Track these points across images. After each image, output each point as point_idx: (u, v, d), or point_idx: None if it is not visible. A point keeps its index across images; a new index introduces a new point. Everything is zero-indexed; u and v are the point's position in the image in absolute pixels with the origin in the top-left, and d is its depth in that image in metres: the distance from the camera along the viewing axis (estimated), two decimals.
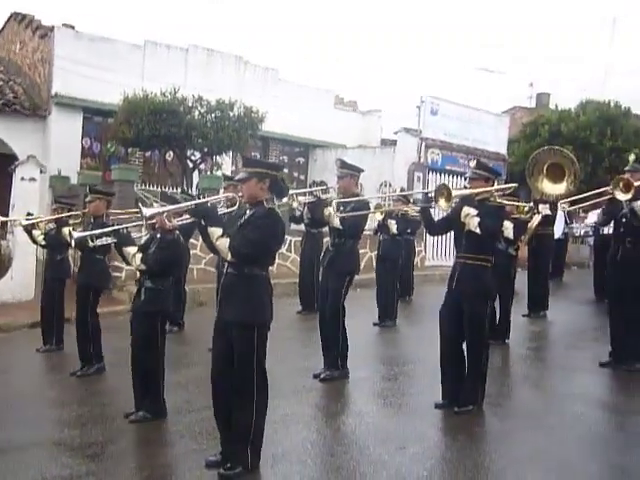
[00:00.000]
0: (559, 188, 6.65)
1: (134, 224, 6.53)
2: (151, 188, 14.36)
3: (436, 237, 14.83)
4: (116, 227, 6.00)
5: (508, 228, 7.85)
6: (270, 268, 4.46)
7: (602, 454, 4.72)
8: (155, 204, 5.13)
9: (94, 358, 6.74)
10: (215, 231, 4.17)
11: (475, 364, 5.31)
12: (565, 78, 48.32)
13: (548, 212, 9.24)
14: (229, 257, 4.17)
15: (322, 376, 6.20)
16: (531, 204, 8.48)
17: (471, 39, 55.60)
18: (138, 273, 5.44)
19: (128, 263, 5.65)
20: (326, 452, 4.64)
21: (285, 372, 6.52)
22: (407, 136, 16.84)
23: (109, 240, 6.07)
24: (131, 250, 5.46)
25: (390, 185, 15.86)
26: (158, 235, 5.29)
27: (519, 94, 47.37)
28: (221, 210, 5.41)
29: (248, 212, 4.33)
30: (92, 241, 6.18)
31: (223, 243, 4.15)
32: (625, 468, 4.47)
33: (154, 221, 4.94)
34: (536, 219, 8.61)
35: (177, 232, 5.28)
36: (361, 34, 50.53)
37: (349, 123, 19.07)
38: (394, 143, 17.43)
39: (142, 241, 5.75)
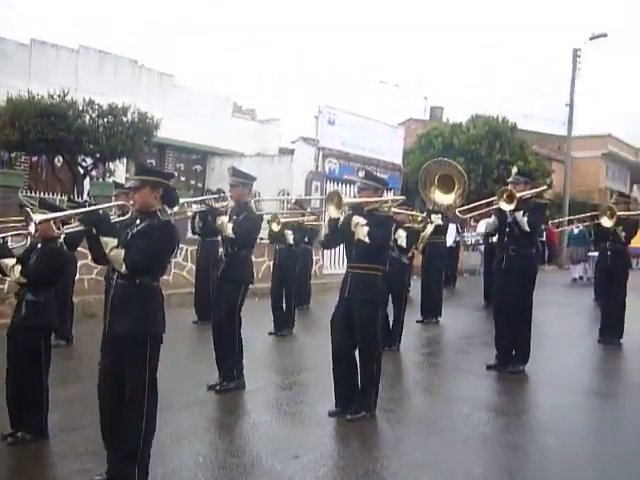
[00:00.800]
0: (449, 198, 6.91)
1: (17, 232, 6.13)
2: (37, 195, 13.64)
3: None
4: None
5: (402, 237, 8.07)
6: (166, 277, 4.32)
7: (488, 455, 4.87)
8: (32, 211, 4.77)
9: None
10: (109, 241, 3.97)
11: (367, 371, 5.37)
12: (457, 93, 50.39)
13: (440, 222, 9.58)
14: (123, 269, 3.98)
15: (217, 388, 6.08)
16: (424, 214, 8.79)
17: (368, 52, 56.97)
18: (18, 286, 5.11)
19: (5, 275, 5.29)
20: (218, 465, 4.53)
21: (179, 384, 6.34)
22: (305, 145, 16.97)
23: None
24: (9, 262, 5.10)
25: (288, 194, 15.89)
26: (39, 244, 4.99)
27: (415, 107, 49.00)
28: (112, 219, 5.19)
29: (140, 222, 4.17)
30: None
31: (118, 254, 3.96)
32: (509, 467, 4.64)
33: (34, 230, 4.63)
34: (429, 228, 8.89)
35: (60, 241, 5.00)
36: (262, 42, 50.63)
37: (247, 131, 19.01)
38: (292, 152, 17.52)
39: (20, 251, 5.39)
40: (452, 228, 12.90)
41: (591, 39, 26.67)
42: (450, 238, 13.42)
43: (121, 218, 4.73)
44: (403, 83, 56.17)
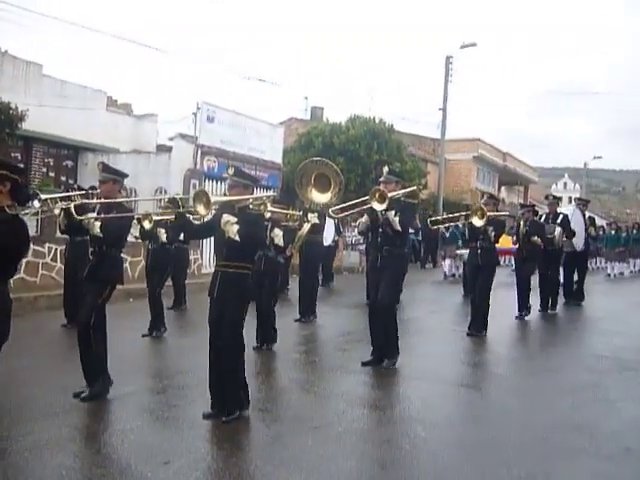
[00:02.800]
0: (325, 197, 6.95)
1: None
2: None
3: (212, 244, 14.76)
4: None
5: (278, 235, 8.06)
6: (33, 279, 4.03)
7: (361, 449, 4.94)
8: None
9: None
10: None
11: (233, 370, 5.30)
12: (336, 93, 51.24)
13: (317, 221, 9.65)
14: None
15: (83, 395, 5.76)
16: (301, 212, 8.82)
17: (246, 51, 56.74)
18: None
19: None
20: (83, 476, 4.29)
21: (43, 392, 5.97)
22: (183, 142, 16.62)
23: None
24: None
25: (165, 191, 15.49)
26: None
27: (296, 106, 49.39)
28: None
29: None
30: None
31: None
32: (381, 460, 4.74)
33: None
34: (306, 227, 8.93)
35: None
36: (138, 36, 49.04)
37: (122, 126, 18.32)
38: (170, 149, 17.09)
39: None
40: (330, 227, 13.06)
41: (462, 47, 28.03)
42: (328, 237, 13.59)
43: None
44: (283, 82, 56.43)
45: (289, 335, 8.86)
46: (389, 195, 6.84)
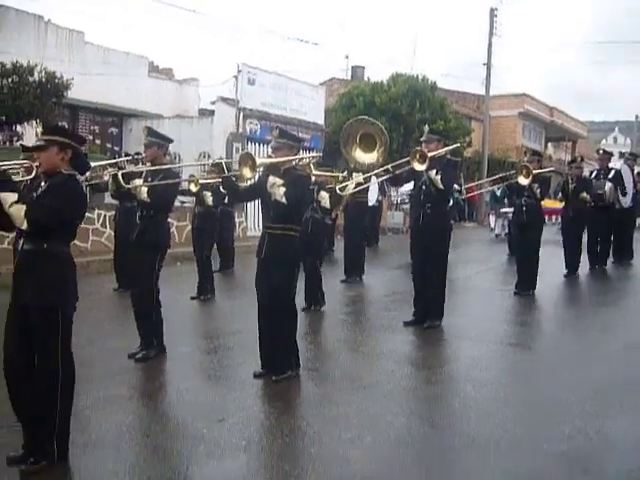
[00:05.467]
0: (371, 157, 6.89)
1: None
2: None
3: (257, 206, 14.84)
4: None
5: (325, 198, 8.06)
6: (85, 245, 4.13)
7: (411, 407, 5.00)
8: None
9: None
10: (8, 196, 3.69)
11: (283, 331, 5.38)
12: (377, 51, 50.39)
13: (361, 180, 9.60)
14: (25, 226, 3.73)
15: (137, 356, 5.95)
16: (345, 173, 8.78)
17: (287, 9, 56.04)
18: None
19: None
20: (142, 434, 4.45)
21: (99, 353, 6.19)
22: (225, 106, 16.64)
23: None
24: None
25: (209, 156, 15.59)
26: None
27: (336, 66, 48.79)
28: (15, 179, 4.88)
29: (44, 183, 3.94)
30: None
31: (18, 210, 3.68)
32: (430, 417, 4.79)
33: None
34: (350, 187, 8.89)
35: None
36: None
37: (165, 92, 18.44)
38: (212, 113, 17.14)
39: None
40: (375, 188, 12.98)
41: None
42: (373, 197, 13.54)
43: (24, 178, 4.48)
44: (324, 42, 55.68)
45: (335, 296, 8.92)
46: (429, 155, 6.76)
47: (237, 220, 13.19)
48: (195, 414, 4.73)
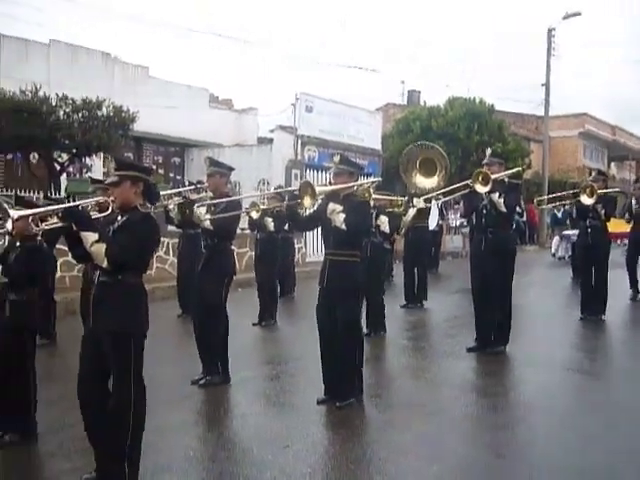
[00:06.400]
0: (431, 182, 6.88)
1: None
2: (13, 193, 13.47)
3: (316, 233, 14.95)
4: None
5: (384, 222, 8.08)
6: (149, 272, 4.25)
7: (477, 436, 4.91)
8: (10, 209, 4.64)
9: None
10: (90, 236, 3.88)
11: (350, 359, 5.37)
12: (433, 75, 50.39)
13: (422, 205, 9.57)
14: (105, 264, 3.91)
15: (201, 382, 6.04)
16: (405, 198, 8.79)
17: (344, 37, 56.75)
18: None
19: None
20: (208, 458, 4.52)
21: (164, 379, 6.30)
22: (283, 134, 16.92)
23: None
24: None
25: (268, 183, 15.86)
26: (17, 243, 4.91)
27: (392, 91, 48.93)
28: (92, 215, 5.09)
29: (120, 218, 4.11)
30: None
31: (99, 249, 3.87)
32: (497, 447, 4.68)
33: (12, 227, 4.54)
34: (411, 212, 8.89)
35: (39, 238, 4.93)
36: (233, 31, 50.12)
37: (225, 122, 18.90)
38: (271, 141, 17.45)
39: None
40: (435, 212, 12.88)
41: (564, 18, 26.78)
42: (433, 222, 13.43)
43: (101, 214, 4.67)
44: (380, 68, 56.03)
45: (396, 321, 8.88)
46: (492, 177, 6.70)
47: (296, 246, 13.30)
48: (259, 440, 4.77)
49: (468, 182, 6.94)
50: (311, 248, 15.95)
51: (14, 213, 4.20)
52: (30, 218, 4.52)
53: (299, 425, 5.05)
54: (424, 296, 10.45)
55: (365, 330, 7.87)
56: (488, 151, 7.36)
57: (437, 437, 4.77)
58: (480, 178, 6.72)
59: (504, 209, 6.90)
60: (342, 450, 4.57)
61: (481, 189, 6.73)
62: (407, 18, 56.81)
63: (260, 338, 8.64)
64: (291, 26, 54.38)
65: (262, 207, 8.13)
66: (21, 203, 5.07)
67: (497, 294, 7.07)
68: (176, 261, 10.92)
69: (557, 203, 13.06)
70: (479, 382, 6.39)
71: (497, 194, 6.84)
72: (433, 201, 9.50)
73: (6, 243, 5.33)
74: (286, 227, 9.54)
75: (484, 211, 7.04)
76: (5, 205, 4.41)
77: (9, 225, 4.35)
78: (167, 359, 7.15)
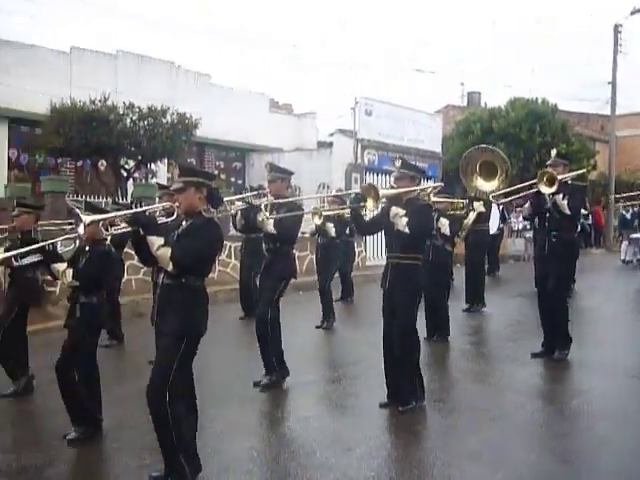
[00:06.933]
0: (492, 185, 6.80)
1: (66, 237, 6.29)
2: (83, 199, 13.98)
3: (375, 236, 14.93)
4: (42, 244, 5.71)
5: (444, 225, 8.01)
6: (211, 275, 4.35)
7: (542, 442, 4.82)
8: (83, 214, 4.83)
9: (19, 372, 6.45)
10: (156, 240, 4.01)
11: (408, 362, 5.37)
12: (494, 76, 49.62)
13: (482, 209, 9.47)
14: (170, 267, 4.02)
15: (262, 383, 6.13)
16: (466, 201, 8.71)
17: (403, 39, 56.47)
18: (69, 289, 5.24)
19: (56, 279, 5.45)
20: (272, 459, 4.59)
21: (227, 380, 6.45)
22: (343, 137, 16.98)
23: (35, 258, 5.79)
24: (60, 267, 5.25)
25: (328, 187, 15.93)
26: (87, 247, 5.11)
27: (451, 93, 48.41)
28: (159, 220, 5.25)
29: (185, 222, 4.22)
30: (17, 260, 5.92)
31: (164, 253, 4.00)
32: (563, 454, 4.60)
33: (84, 232, 4.73)
34: (472, 216, 8.79)
35: (107, 243, 5.12)
36: (292, 36, 50.58)
37: (285, 126, 19.09)
38: (330, 145, 17.53)
39: (69, 255, 5.55)
40: (495, 215, 12.73)
41: (632, 14, 25.94)
42: (494, 225, 13.26)
43: (167, 219, 4.81)
44: (438, 69, 55.49)
45: (457, 326, 8.78)
46: (558, 178, 6.56)
47: (357, 249, 13.32)
48: (322, 442, 4.81)
49: (533, 182, 6.82)
50: (371, 252, 15.94)
51: (86, 218, 4.39)
52: (100, 223, 4.71)
53: (361, 428, 5.07)
54: (481, 300, 10.30)
55: (425, 334, 7.85)
56: (553, 152, 7.21)
57: (501, 443, 4.72)
58: (545, 179, 6.59)
59: (568, 211, 6.74)
60: (405, 454, 4.57)
61: (546, 190, 6.60)
62: (468, 18, 55.87)
63: (321, 341, 8.69)
64: (352, 30, 54.43)
65: (324, 213, 8.21)
66: (91, 208, 5.28)
67: (556, 298, 6.92)
68: (238, 265, 11.10)
69: (629, 203, 12.64)
70: (544, 388, 6.28)
71: (561, 196, 6.69)
72: (494, 205, 9.37)
73: (76, 247, 5.57)
74: (347, 231, 9.59)
75: (547, 214, 6.90)
76: (77, 210, 4.61)
77: (81, 229, 4.55)
78: (229, 361, 7.29)
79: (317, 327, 9.05)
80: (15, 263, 5.97)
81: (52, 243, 5.75)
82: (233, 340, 8.57)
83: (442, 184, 6.29)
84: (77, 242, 5.71)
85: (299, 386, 6.22)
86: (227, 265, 12.65)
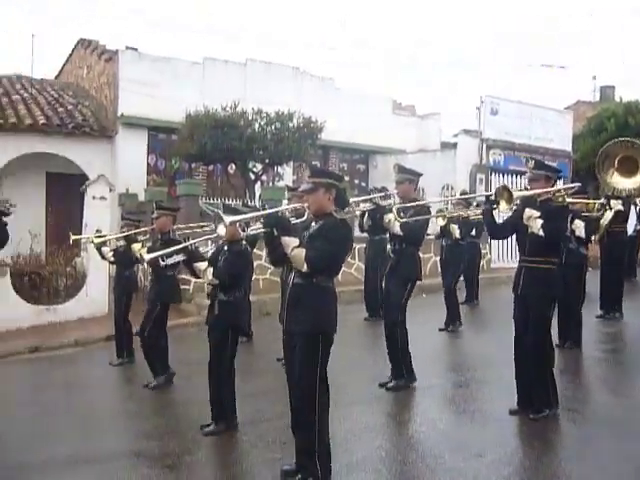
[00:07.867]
0: (632, 182, 6.42)
1: (206, 237, 6.64)
2: (215, 201, 14.64)
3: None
4: (185, 244, 6.08)
5: (579, 227, 7.67)
6: (336, 276, 4.42)
7: None
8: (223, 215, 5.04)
9: (160, 369, 6.88)
10: (291, 241, 4.11)
11: (542, 368, 5.19)
12: (629, 70, 46.73)
13: (621, 208, 8.93)
14: (304, 268, 4.10)
15: (388, 385, 6.15)
16: (602, 201, 8.26)
17: (529, 35, 54.43)
18: (209, 287, 5.51)
19: (198, 277, 5.75)
20: (400, 460, 4.60)
21: (353, 380, 6.51)
22: (467, 138, 16.64)
23: (179, 258, 6.16)
24: (201, 266, 5.54)
25: (452, 188, 15.68)
26: (225, 247, 5.35)
27: (582, 89, 46.11)
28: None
29: (315, 223, 4.30)
30: (163, 260, 6.32)
31: (299, 254, 4.09)
32: None
33: (225, 232, 4.96)
34: (608, 215, 8.35)
35: (244, 242, 5.33)
36: (413, 38, 50.21)
37: (408, 128, 18.99)
38: (454, 146, 17.24)
39: (208, 254, 5.84)
40: (633, 215, 11.97)
41: None
42: (631, 226, 12.48)
43: (298, 220, 4.94)
44: (570, 64, 52.97)
45: (591, 333, 8.38)
46: None
47: (482, 252, 13.01)
48: (450, 446, 4.76)
49: None
50: (496, 254, 15.51)
51: (227, 219, 4.59)
52: (238, 223, 4.92)
53: (491, 434, 4.97)
54: (620, 305, 9.72)
55: (557, 341, 7.54)
56: None
57: None
58: None
59: None
60: (538, 464, 4.43)
61: None
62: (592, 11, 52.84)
63: (446, 344, 8.58)
64: (473, 28, 53.23)
65: (447, 215, 8.11)
66: (228, 210, 5.51)
67: None
68: (362, 265, 11.19)
69: None
70: None
71: None
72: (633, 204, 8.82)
73: (214, 247, 5.85)
74: (473, 232, 9.40)
75: None
76: (219, 212, 4.84)
77: (222, 230, 4.79)
78: (355, 362, 7.35)
79: (440, 330, 8.94)
80: (162, 263, 6.38)
81: (193, 243, 6.09)
82: (358, 340, 8.65)
83: (579, 184, 5.99)
84: (214, 243, 5.99)
85: (425, 389, 6.18)
86: (351, 266, 12.76)
